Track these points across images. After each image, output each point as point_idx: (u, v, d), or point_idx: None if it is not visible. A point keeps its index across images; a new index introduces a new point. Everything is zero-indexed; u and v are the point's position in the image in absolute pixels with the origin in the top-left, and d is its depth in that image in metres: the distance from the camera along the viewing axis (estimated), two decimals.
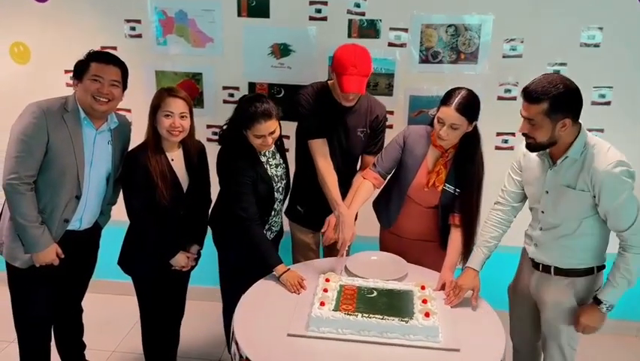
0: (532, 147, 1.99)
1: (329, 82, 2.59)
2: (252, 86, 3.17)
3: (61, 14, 3.18)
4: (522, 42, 2.97)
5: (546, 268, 2.14)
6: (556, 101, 1.87)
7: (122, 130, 2.46)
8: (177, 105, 2.32)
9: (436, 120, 2.31)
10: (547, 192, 2.06)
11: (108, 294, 3.42)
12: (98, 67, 2.24)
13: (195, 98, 3.21)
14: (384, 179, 2.52)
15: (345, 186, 2.62)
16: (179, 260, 2.47)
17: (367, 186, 2.49)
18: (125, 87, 2.36)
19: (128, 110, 3.24)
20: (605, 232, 2.04)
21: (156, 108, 2.33)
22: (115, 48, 3.18)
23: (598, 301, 2.03)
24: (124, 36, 3.18)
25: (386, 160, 2.49)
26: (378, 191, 2.63)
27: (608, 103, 3.01)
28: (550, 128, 1.91)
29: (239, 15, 3.07)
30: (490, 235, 2.25)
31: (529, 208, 2.23)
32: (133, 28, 3.17)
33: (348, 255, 2.50)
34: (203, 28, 3.11)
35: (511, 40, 2.97)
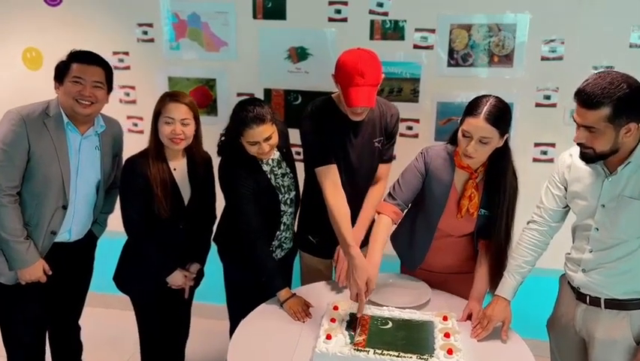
0: (589, 158, 1.73)
1: (333, 95, 2.30)
2: (267, 92, 2.99)
3: (73, 18, 3.09)
4: (562, 43, 2.69)
5: (595, 301, 1.85)
6: (621, 105, 1.60)
7: (112, 134, 2.33)
8: (179, 111, 2.16)
9: (460, 134, 1.98)
10: (603, 206, 1.78)
11: (111, 309, 3.26)
12: (80, 68, 2.12)
13: (209, 106, 3.06)
14: (403, 211, 2.16)
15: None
16: (176, 279, 2.30)
17: (386, 223, 2.11)
18: (110, 89, 2.22)
19: (140, 118, 3.14)
20: None
21: (158, 114, 2.19)
22: (127, 53, 3.10)
23: None
24: (136, 40, 3.07)
25: (406, 190, 2.13)
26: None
27: None
28: (613, 136, 1.65)
29: (254, 17, 2.91)
30: (524, 259, 1.97)
31: (572, 228, 1.95)
32: (145, 32, 3.05)
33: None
34: (216, 31, 2.96)
35: (551, 40, 2.69)
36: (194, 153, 2.28)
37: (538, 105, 2.79)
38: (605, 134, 1.65)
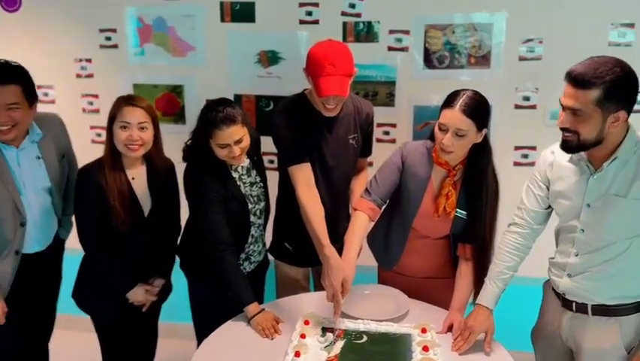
0: (571, 146, 1.61)
1: (305, 91, 2.21)
2: (237, 98, 2.85)
3: (32, 25, 2.95)
4: (541, 42, 2.60)
5: (581, 308, 1.73)
6: (612, 88, 1.50)
7: (52, 137, 2.19)
8: (136, 115, 2.03)
9: (437, 128, 1.91)
10: (588, 206, 1.67)
11: (77, 331, 3.06)
12: None
13: (176, 113, 2.93)
14: (380, 208, 2.09)
15: (347, 207, 2.29)
16: (137, 294, 2.15)
17: (362, 219, 2.04)
18: (32, 101, 2.05)
19: (105, 128, 2.97)
20: None
21: (112, 119, 2.06)
22: (89, 60, 2.97)
23: None
24: (98, 47, 2.93)
25: (382, 185, 2.05)
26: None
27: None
28: (600, 123, 1.54)
29: (222, 20, 2.79)
30: (506, 264, 1.85)
31: (555, 231, 1.84)
32: (108, 38, 2.91)
33: None
34: (183, 35, 2.84)
35: (529, 40, 2.60)
36: (154, 160, 2.15)
37: (517, 107, 2.69)
38: (591, 118, 1.54)
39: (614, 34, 2.55)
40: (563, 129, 1.62)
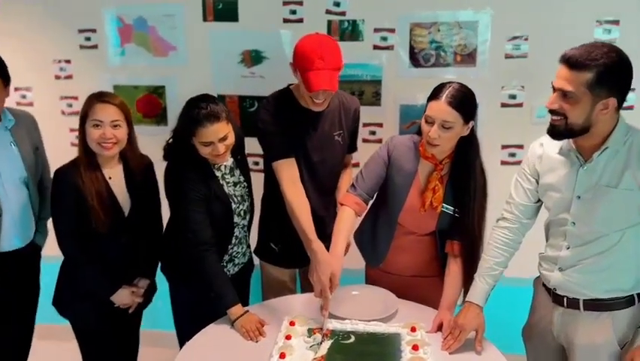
0: (558, 130, 1.59)
1: (291, 86, 2.17)
2: (220, 98, 2.77)
3: (9, 25, 2.87)
4: (526, 40, 2.58)
5: (573, 303, 1.69)
6: (605, 72, 1.48)
7: (25, 127, 2.16)
8: (108, 113, 1.97)
9: (423, 120, 1.89)
10: (579, 198, 1.64)
11: (60, 341, 2.96)
12: None
13: (158, 115, 2.87)
14: (367, 203, 2.06)
15: (336, 206, 2.24)
16: (122, 297, 2.08)
17: (348, 214, 2.00)
18: (6, 81, 2.05)
19: None
20: None
21: (84, 118, 2.00)
22: (69, 61, 2.91)
23: None
24: (78, 47, 2.86)
25: (368, 179, 2.02)
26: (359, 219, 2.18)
27: (630, 107, 2.58)
28: (589, 107, 1.52)
29: (204, 19, 2.73)
30: (495, 260, 1.81)
31: (545, 225, 1.80)
32: (88, 39, 2.85)
33: None
34: (164, 35, 2.78)
35: (514, 38, 2.59)
36: (130, 159, 2.09)
37: (504, 105, 2.67)
38: (581, 102, 1.52)
39: (599, 31, 2.54)
40: (551, 112, 1.60)
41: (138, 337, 2.35)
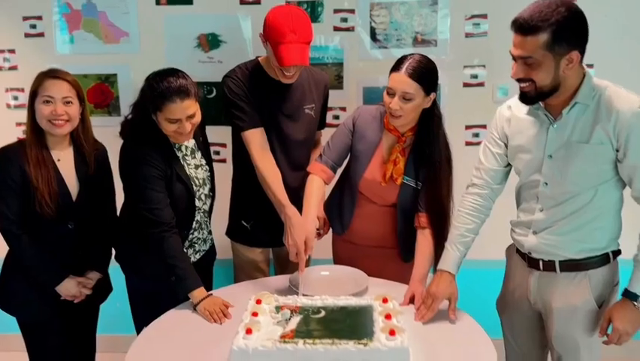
0: (529, 96, 1.56)
1: (259, 58, 2.13)
2: None
3: None
4: (485, 17, 2.58)
5: (549, 265, 1.66)
6: (560, 30, 1.46)
7: None
8: (60, 88, 1.86)
9: (385, 92, 1.90)
10: (550, 157, 1.61)
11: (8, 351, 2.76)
12: None
13: (110, 104, 2.74)
14: (334, 171, 2.07)
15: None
16: (68, 287, 1.93)
17: (316, 181, 2.02)
18: None
19: None
20: (621, 205, 1.63)
21: (34, 95, 1.88)
22: (13, 51, 2.76)
23: (632, 296, 1.55)
24: (23, 36, 2.72)
25: (334, 147, 2.04)
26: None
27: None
28: (553, 67, 1.49)
29: (157, 3, 2.64)
30: (466, 226, 1.77)
31: (516, 190, 1.77)
32: (33, 26, 2.71)
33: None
34: (115, 21, 2.67)
35: (473, 16, 2.58)
36: (82, 142, 1.96)
37: (466, 85, 2.66)
38: (543, 64, 1.49)
39: None
40: (518, 80, 1.57)
41: (94, 337, 2.19)
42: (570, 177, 1.58)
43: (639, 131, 1.49)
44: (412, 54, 1.90)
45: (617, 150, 1.53)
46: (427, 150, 1.93)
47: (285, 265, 2.25)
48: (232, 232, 2.26)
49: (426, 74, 1.86)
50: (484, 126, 2.66)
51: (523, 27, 1.48)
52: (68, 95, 1.86)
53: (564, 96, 1.56)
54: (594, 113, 1.54)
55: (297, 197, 2.03)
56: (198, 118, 1.88)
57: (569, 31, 1.47)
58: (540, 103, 1.62)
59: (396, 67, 1.87)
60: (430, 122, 1.94)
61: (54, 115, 1.83)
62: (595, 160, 1.55)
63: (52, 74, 1.88)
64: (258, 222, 2.18)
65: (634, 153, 1.50)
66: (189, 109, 1.82)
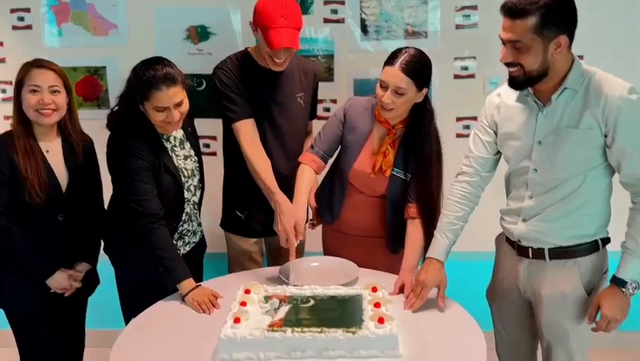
0: (519, 81, 1.56)
1: (249, 48, 2.14)
2: None
3: None
4: (475, 9, 2.58)
5: (538, 253, 1.66)
6: (549, 13, 1.46)
7: None
8: (47, 77, 1.85)
9: (378, 85, 1.90)
10: (539, 143, 1.61)
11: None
12: None
13: (99, 97, 2.72)
14: (325, 162, 2.08)
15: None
16: (59, 280, 1.92)
17: (307, 171, 2.04)
18: None
19: None
20: (610, 192, 1.64)
21: (20, 85, 1.87)
22: (0, 44, 2.72)
23: (620, 282, 1.55)
24: (10, 28, 2.69)
25: (325, 138, 2.05)
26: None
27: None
28: (542, 51, 1.50)
29: None
30: (455, 214, 1.77)
31: (506, 178, 1.77)
32: (21, 19, 2.68)
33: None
34: (104, 13, 2.64)
35: (463, 7, 2.58)
36: (70, 132, 1.95)
37: (457, 77, 2.66)
38: (532, 48, 1.49)
39: None
40: (507, 65, 1.57)
41: (84, 330, 2.18)
42: (559, 163, 1.58)
43: (627, 116, 1.49)
44: (407, 48, 1.90)
45: (606, 136, 1.53)
46: (418, 144, 1.94)
47: (277, 256, 2.25)
48: (226, 223, 2.27)
49: (419, 70, 1.86)
50: (474, 118, 2.65)
51: (512, 10, 1.48)
52: (55, 84, 1.85)
53: (553, 82, 1.56)
54: (583, 99, 1.54)
55: (288, 186, 2.03)
56: (186, 107, 1.87)
57: (558, 15, 1.47)
58: (529, 89, 1.62)
59: (391, 60, 1.87)
60: (421, 116, 1.95)
61: (41, 104, 1.82)
62: (584, 145, 1.56)
63: (38, 63, 1.88)
64: (251, 212, 2.20)
65: (622, 138, 1.51)
66: (176, 96, 1.81)
